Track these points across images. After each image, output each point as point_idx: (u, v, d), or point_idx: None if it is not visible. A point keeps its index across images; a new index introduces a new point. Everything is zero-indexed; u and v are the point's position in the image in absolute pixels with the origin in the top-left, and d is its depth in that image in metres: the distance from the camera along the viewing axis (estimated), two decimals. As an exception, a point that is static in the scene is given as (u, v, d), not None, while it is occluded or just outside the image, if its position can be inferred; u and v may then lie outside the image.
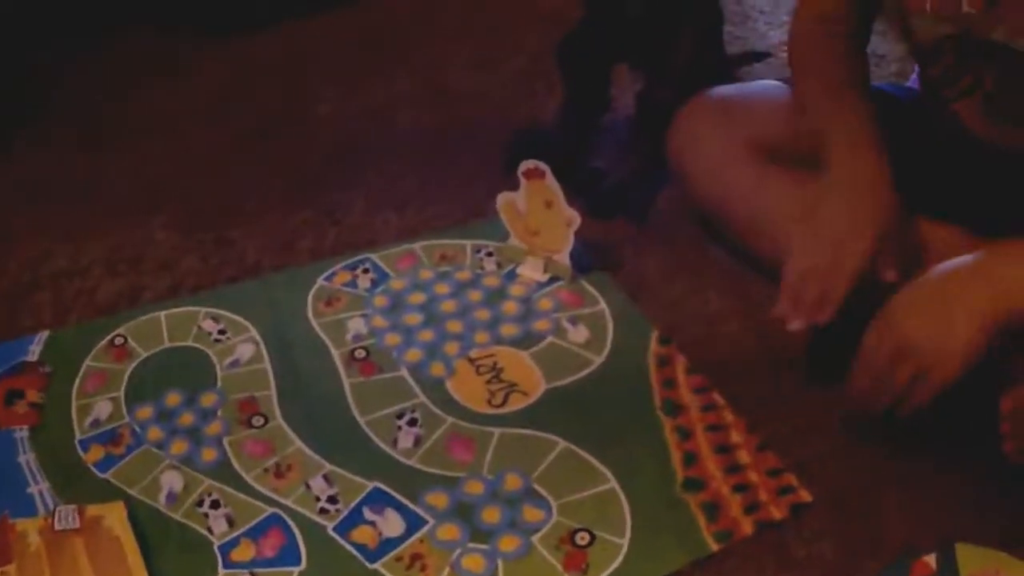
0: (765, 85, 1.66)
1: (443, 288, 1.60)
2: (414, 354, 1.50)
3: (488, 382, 1.45)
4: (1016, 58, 1.32)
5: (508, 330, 1.53)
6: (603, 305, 1.56)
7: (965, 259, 1.24)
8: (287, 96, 2.10)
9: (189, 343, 1.53)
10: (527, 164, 1.54)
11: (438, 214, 1.75)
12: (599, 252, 1.64)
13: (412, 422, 1.39)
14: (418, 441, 1.37)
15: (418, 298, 1.59)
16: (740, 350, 1.50)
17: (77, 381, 1.47)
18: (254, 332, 1.54)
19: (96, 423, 1.41)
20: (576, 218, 1.54)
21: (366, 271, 1.64)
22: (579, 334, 1.52)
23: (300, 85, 2.13)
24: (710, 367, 1.46)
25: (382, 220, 1.75)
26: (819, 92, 1.48)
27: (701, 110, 1.60)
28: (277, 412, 1.42)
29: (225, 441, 1.38)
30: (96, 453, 1.37)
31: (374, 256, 1.67)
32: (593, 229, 1.64)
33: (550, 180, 1.53)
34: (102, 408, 1.43)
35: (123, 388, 1.46)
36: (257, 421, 1.40)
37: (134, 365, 1.49)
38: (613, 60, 1.79)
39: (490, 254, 1.66)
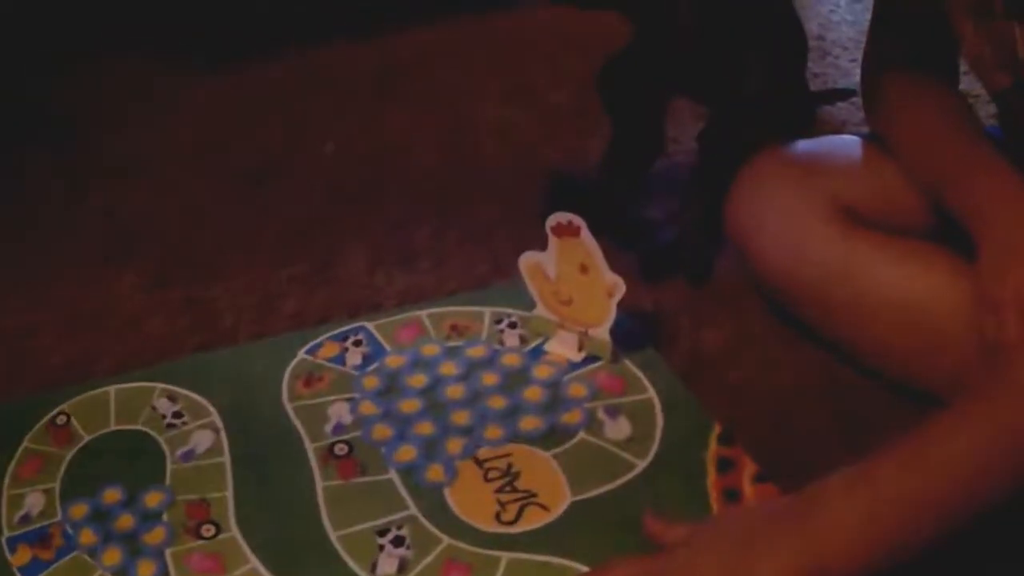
0: (844, 140, 1.42)
1: (450, 368, 1.31)
2: (407, 452, 1.21)
3: (498, 491, 1.17)
4: None
5: (529, 423, 1.24)
6: (651, 392, 1.27)
7: (772, 505, 1.07)
8: (288, 132, 1.85)
9: (138, 426, 1.28)
10: (557, 218, 1.25)
11: (453, 273, 1.47)
12: (648, 325, 1.36)
13: (397, 541, 1.12)
14: (403, 567, 1.09)
15: (418, 380, 1.30)
16: (823, 451, 1.18)
17: (12, 465, 1.25)
18: (215, 416, 1.29)
19: (26, 519, 1.19)
20: (620, 286, 1.24)
21: (358, 343, 1.36)
22: (619, 429, 1.23)
23: (304, 120, 1.89)
24: (785, 473, 1.15)
25: (384, 278, 1.48)
26: (935, 135, 1.25)
27: (772, 166, 1.34)
28: (232, 520, 1.16)
29: (167, 553, 1.13)
30: (23, 555, 1.15)
31: (369, 325, 1.39)
32: (641, 295, 1.37)
33: (586, 238, 1.24)
34: (34, 501, 1.21)
35: (59, 478, 1.23)
36: (207, 530, 1.15)
37: (74, 451, 1.26)
38: (670, 91, 1.49)
39: (513, 325, 1.36)
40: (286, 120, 1.89)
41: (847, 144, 1.39)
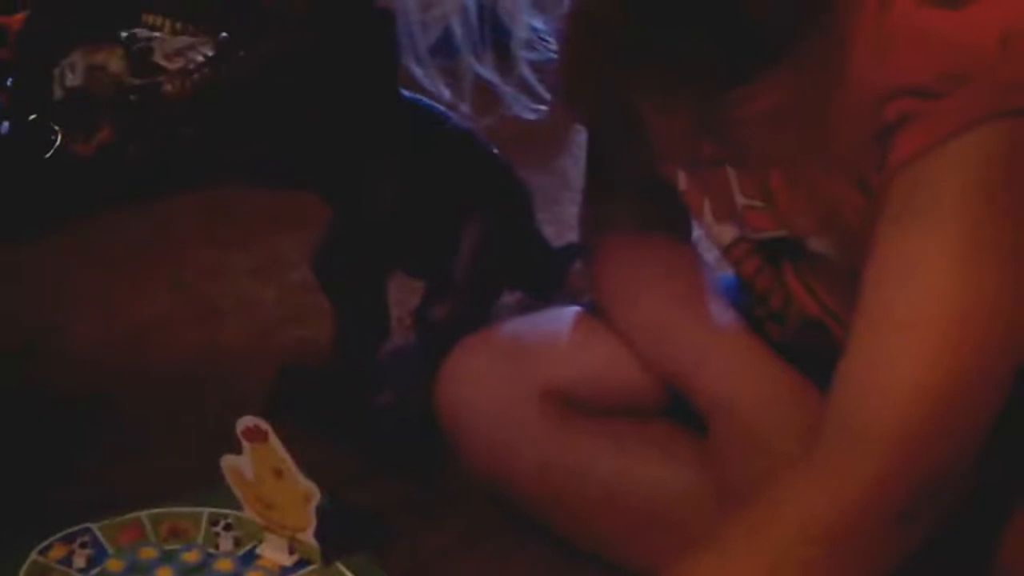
0: (563, 314, 1.31)
1: (165, 573, 1.25)
2: (110, 667, 1.15)
3: None
4: (809, 257, 1.07)
5: (233, 635, 1.18)
6: (363, 599, 1.21)
7: None
8: (28, 326, 1.76)
9: None
10: (245, 422, 1.18)
11: (181, 470, 1.40)
12: (365, 524, 1.29)
13: None
14: None
15: (134, 585, 1.25)
16: None
17: None
18: None
19: None
20: (314, 493, 1.18)
21: (84, 545, 1.30)
22: (327, 641, 1.16)
23: (47, 311, 1.79)
24: None
25: (112, 476, 1.41)
26: (660, 317, 1.18)
27: (477, 352, 1.25)
28: None
29: None
30: None
31: (94, 527, 1.32)
32: (361, 491, 1.32)
33: (274, 443, 1.17)
34: None
35: None
36: None
37: None
38: (383, 266, 1.41)
39: (229, 527, 1.30)
40: (30, 304, 1.81)
41: (563, 320, 1.29)
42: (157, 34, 1.57)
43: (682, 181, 1.14)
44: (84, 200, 1.97)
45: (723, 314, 1.16)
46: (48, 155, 1.92)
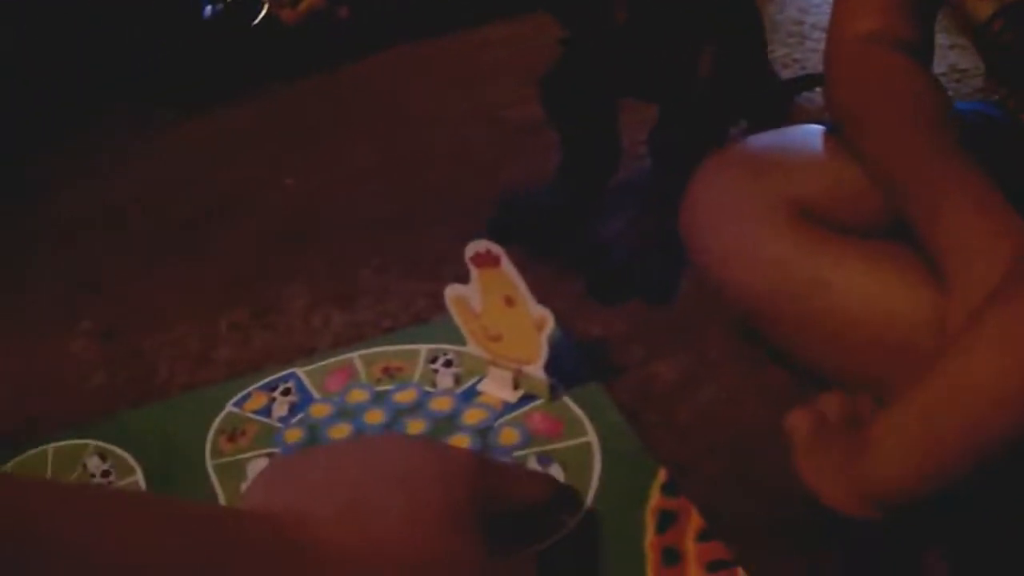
0: (805, 131, 1.22)
1: (376, 416, 1.18)
2: (319, 511, 1.08)
3: (411, 553, 1.02)
4: None
5: (450, 476, 1.10)
6: (591, 435, 1.12)
7: None
8: (243, 174, 1.75)
9: (70, 485, 1.18)
10: (476, 247, 1.11)
11: (393, 310, 1.34)
12: (594, 356, 1.22)
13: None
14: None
15: (341, 431, 1.17)
16: (786, 506, 1.01)
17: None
18: (139, 475, 1.17)
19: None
20: (548, 319, 1.10)
21: (287, 392, 1.24)
22: (551, 480, 1.08)
23: (260, 160, 1.79)
24: (738, 531, 0.99)
25: (322, 319, 1.36)
26: (904, 145, 1.07)
27: (724, 166, 1.17)
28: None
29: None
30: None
31: (300, 371, 1.27)
32: (590, 322, 1.24)
33: (507, 269, 1.10)
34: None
35: (-7, 542, 1.11)
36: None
37: (14, 511, 1.15)
38: (615, 93, 1.33)
39: (449, 364, 1.23)
40: (242, 162, 1.80)
41: (807, 137, 1.21)
42: None
43: None
44: (288, 66, 1.94)
45: (958, 156, 1.04)
46: (255, 23, 1.89)
